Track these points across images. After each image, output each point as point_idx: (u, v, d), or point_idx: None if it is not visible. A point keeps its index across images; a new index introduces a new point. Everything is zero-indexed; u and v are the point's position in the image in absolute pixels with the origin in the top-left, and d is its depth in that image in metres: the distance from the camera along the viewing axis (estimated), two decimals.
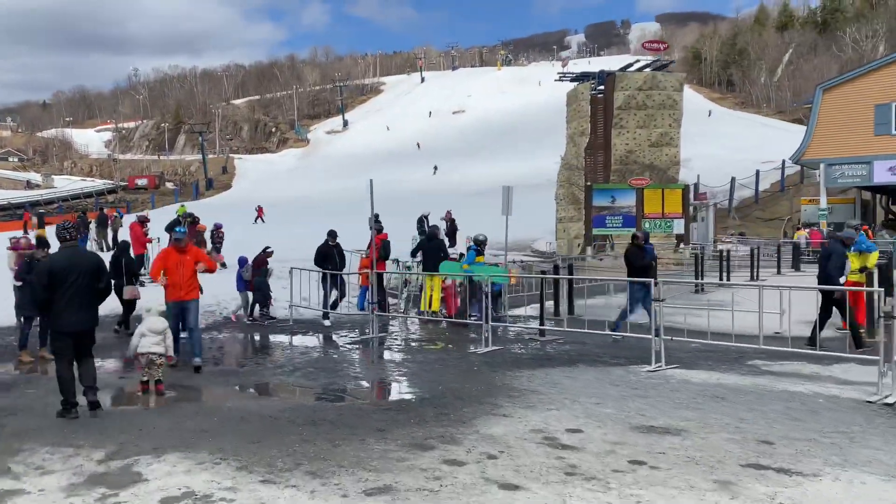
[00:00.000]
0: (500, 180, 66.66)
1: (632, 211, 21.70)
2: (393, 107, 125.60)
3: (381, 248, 13.76)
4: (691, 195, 26.03)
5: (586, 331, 10.60)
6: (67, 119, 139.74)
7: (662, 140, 24.69)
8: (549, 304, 13.65)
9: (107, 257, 20.83)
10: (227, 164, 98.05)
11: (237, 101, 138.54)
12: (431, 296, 13.75)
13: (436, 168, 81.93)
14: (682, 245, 21.48)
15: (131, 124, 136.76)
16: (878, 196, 30.70)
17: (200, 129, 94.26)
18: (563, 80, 27.94)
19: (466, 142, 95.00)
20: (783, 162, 46.20)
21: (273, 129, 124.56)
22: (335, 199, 62.38)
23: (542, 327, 11.51)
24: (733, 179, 39.76)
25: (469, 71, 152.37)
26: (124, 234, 28.79)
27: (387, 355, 10.88)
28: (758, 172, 41.00)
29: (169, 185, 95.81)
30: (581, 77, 27.10)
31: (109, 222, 24.25)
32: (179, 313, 9.37)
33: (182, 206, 37.76)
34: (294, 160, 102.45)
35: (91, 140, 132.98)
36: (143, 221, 17.18)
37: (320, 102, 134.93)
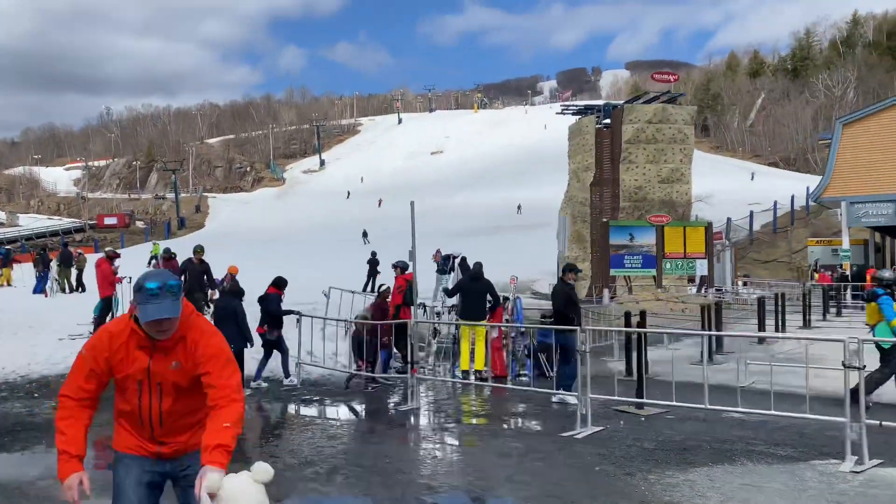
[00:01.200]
0: (483, 218, 65.73)
1: (651, 250, 20.27)
2: (370, 147, 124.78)
3: (405, 292, 11.75)
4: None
5: (708, 407, 7.40)
6: (36, 157, 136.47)
7: (673, 176, 23.48)
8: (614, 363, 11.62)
9: (69, 299, 19.04)
10: (201, 202, 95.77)
11: (211, 140, 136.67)
12: (473, 350, 11.22)
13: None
14: (705, 288, 20.01)
15: (102, 162, 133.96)
16: (887, 238, 29.65)
17: (174, 168, 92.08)
18: (564, 114, 26.74)
19: (445, 181, 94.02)
20: (775, 203, 45.62)
21: (248, 169, 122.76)
22: (316, 238, 60.58)
23: (641, 400, 8.48)
24: (729, 220, 38.83)
25: (446, 113, 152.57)
26: (90, 274, 26.76)
27: (450, 441, 7.91)
28: (752, 213, 40.12)
29: (139, 223, 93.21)
30: (585, 110, 25.90)
31: (74, 260, 22.18)
32: None
33: (156, 244, 35.72)
34: (269, 199, 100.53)
35: (59, 178, 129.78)
36: (111, 257, 14.48)
37: (296, 142, 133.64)
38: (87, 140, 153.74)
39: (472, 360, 11.28)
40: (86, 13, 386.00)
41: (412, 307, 11.02)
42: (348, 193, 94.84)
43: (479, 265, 12.03)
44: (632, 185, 23.78)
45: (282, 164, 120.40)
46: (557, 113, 29.18)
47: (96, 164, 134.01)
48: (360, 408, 9.83)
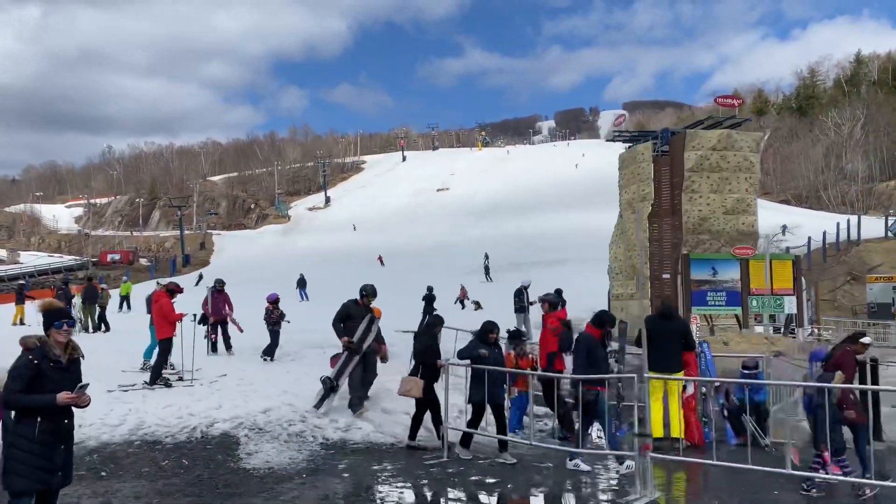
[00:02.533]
0: (499, 253, 64.30)
1: (736, 286, 18.63)
2: (375, 184, 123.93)
3: (562, 335, 9.36)
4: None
5: None
6: (38, 194, 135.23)
7: (739, 207, 22.04)
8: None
9: (97, 340, 17.32)
10: (205, 239, 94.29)
11: (214, 178, 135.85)
12: (665, 414, 8.70)
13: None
14: (793, 328, 18.38)
15: (104, 200, 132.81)
16: None
17: (179, 204, 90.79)
18: (615, 141, 25.44)
19: (453, 217, 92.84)
20: (809, 241, 44.25)
21: (252, 206, 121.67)
22: (332, 272, 58.99)
23: None
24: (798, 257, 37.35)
25: (450, 151, 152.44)
26: (113, 311, 25.03)
27: None
28: (787, 250, 38.70)
29: (143, 261, 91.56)
30: (639, 136, 24.58)
31: (98, 297, 20.55)
32: None
33: (126, 283, 35.48)
34: (274, 236, 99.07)
35: (61, 215, 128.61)
36: (172, 291, 12.29)
37: (300, 179, 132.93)
38: (88, 177, 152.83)
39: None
40: (91, 55, 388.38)
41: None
42: (354, 227, 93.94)
43: (668, 300, 9.77)
44: (695, 216, 22.30)
45: (286, 201, 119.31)
46: (608, 140, 27.85)
47: (98, 201, 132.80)
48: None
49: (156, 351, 12.33)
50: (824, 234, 45.15)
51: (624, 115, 26.90)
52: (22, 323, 23.92)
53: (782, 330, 18.66)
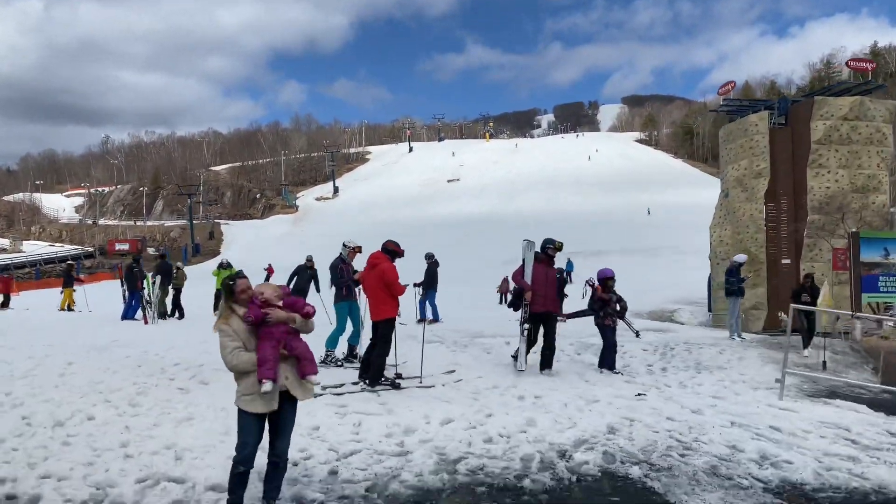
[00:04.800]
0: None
1: None
2: (383, 175, 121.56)
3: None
4: None
5: None
6: (37, 182, 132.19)
7: (869, 184, 19.98)
8: None
9: (167, 327, 14.88)
10: (214, 229, 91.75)
11: (218, 168, 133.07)
12: None
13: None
14: None
15: (104, 189, 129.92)
16: None
17: (189, 192, 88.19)
18: (720, 112, 23.30)
19: (466, 208, 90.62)
20: None
21: (257, 196, 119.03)
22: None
23: None
24: None
25: (456, 142, 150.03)
26: (192, 291, 21.82)
27: None
28: None
29: (150, 250, 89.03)
30: (749, 106, 22.41)
31: (173, 277, 18.11)
32: None
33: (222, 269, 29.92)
34: (285, 226, 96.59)
35: (61, 205, 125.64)
36: (393, 253, 8.93)
37: (306, 170, 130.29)
38: (88, 167, 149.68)
39: None
40: (91, 48, 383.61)
41: None
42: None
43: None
44: (821, 193, 20.16)
45: (293, 191, 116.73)
46: (711, 111, 25.70)
47: (98, 190, 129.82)
48: None
49: (344, 337, 10.21)
50: None
51: (732, 83, 24.47)
52: (70, 309, 21.64)
53: None
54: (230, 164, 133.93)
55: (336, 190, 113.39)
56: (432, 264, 17.57)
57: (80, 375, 8.53)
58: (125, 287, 17.42)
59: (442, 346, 11.34)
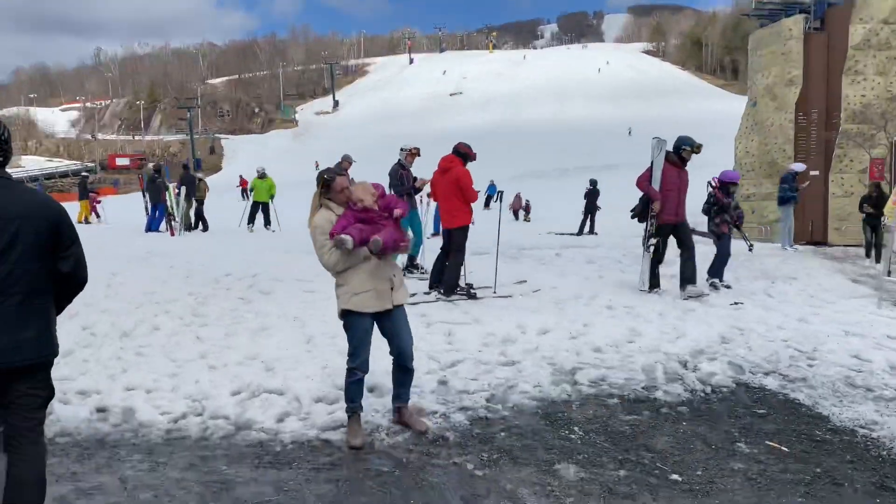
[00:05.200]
0: (543, 160, 61.01)
1: None
2: (384, 88, 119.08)
3: None
4: None
5: None
6: (31, 96, 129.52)
7: None
8: None
9: (197, 239, 14.51)
10: (215, 144, 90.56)
11: (215, 81, 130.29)
12: None
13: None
14: None
15: (101, 103, 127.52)
16: None
17: (188, 106, 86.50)
18: (751, 17, 22.37)
19: (470, 122, 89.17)
20: None
21: (256, 110, 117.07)
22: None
23: None
24: None
25: (460, 54, 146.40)
26: (215, 203, 20.94)
27: None
28: None
29: (150, 165, 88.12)
30: (783, 10, 21.50)
31: (198, 183, 17.62)
32: None
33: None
34: (286, 141, 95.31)
35: (56, 120, 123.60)
36: (465, 156, 8.15)
37: (304, 83, 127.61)
38: (82, 80, 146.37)
39: None
40: None
41: None
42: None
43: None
44: (856, 102, 19.55)
45: (292, 105, 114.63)
46: (744, 14, 24.72)
47: (94, 104, 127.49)
48: None
49: (423, 247, 9.79)
50: None
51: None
52: (88, 221, 21.38)
53: None
54: (227, 77, 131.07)
55: (336, 104, 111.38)
56: None
57: (128, 286, 8.25)
58: (147, 198, 17.09)
59: (489, 256, 11.16)
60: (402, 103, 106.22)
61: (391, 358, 4.44)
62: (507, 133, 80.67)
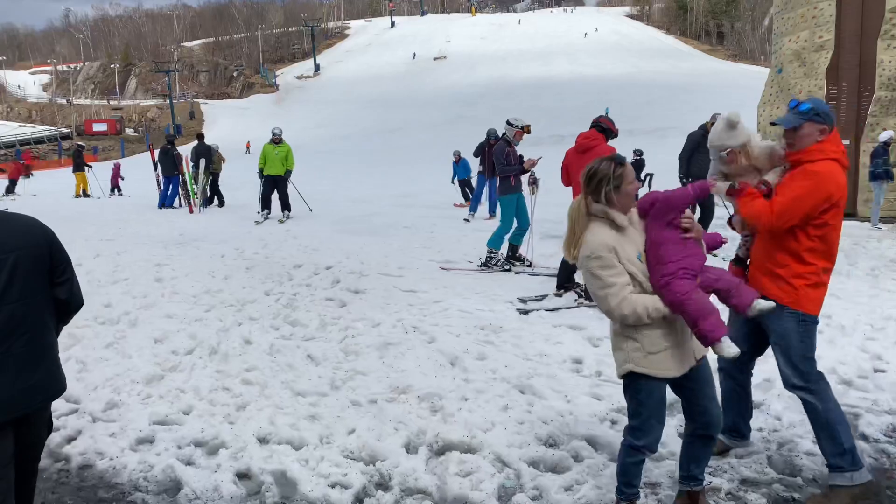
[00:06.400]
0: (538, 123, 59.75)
1: None
2: (366, 52, 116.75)
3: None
4: None
5: None
6: (0, 58, 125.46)
7: None
8: None
9: (219, 216, 13.12)
10: (194, 109, 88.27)
11: (191, 44, 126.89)
12: None
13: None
14: None
15: (74, 66, 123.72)
16: None
17: (166, 70, 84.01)
18: None
19: (456, 86, 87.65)
20: None
21: (234, 73, 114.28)
22: (346, 147, 55.35)
23: None
24: None
25: (442, 17, 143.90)
26: (234, 173, 18.31)
27: None
28: None
29: (129, 131, 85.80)
30: None
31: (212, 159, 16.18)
32: None
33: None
34: (267, 106, 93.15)
35: (26, 83, 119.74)
36: (608, 131, 7.17)
37: (283, 46, 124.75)
38: (52, 42, 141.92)
39: None
40: None
41: None
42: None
43: None
44: (893, 69, 18.88)
45: (272, 69, 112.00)
46: None
47: (67, 67, 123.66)
48: None
49: (526, 237, 8.54)
50: None
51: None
52: (86, 194, 20.20)
53: None
54: (204, 40, 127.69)
55: (317, 68, 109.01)
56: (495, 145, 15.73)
57: (184, 281, 7.17)
58: (159, 171, 15.97)
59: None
60: (385, 67, 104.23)
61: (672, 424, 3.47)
62: (496, 97, 79.40)
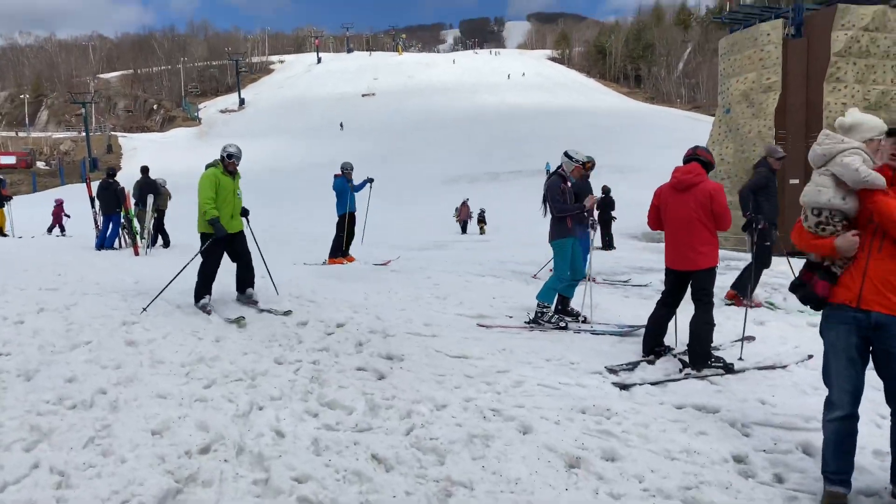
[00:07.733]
0: (458, 166, 60.01)
1: None
2: (293, 87, 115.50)
3: None
4: None
5: None
6: None
7: (882, 100, 19.41)
8: None
9: (166, 258, 11.73)
10: (112, 142, 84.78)
11: (108, 76, 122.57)
12: None
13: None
14: None
15: None
16: None
17: (82, 101, 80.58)
18: (724, 21, 22.07)
19: (387, 123, 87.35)
20: None
21: (154, 106, 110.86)
22: (272, 181, 54.02)
23: None
24: None
25: (367, 55, 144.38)
26: (179, 213, 16.80)
27: None
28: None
29: (40, 164, 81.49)
30: (760, 13, 21.25)
31: (160, 189, 14.72)
32: None
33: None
34: (188, 140, 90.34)
35: None
36: (707, 164, 6.12)
37: (206, 80, 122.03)
38: None
39: None
40: None
41: None
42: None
43: None
44: (838, 110, 19.43)
45: (194, 102, 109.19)
46: (716, 18, 24.32)
47: None
48: None
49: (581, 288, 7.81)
50: None
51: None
52: (2, 233, 18.29)
53: None
54: (122, 72, 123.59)
55: (242, 102, 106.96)
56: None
57: (164, 345, 5.69)
58: (97, 208, 14.53)
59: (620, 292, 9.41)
60: (312, 103, 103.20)
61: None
62: (428, 129, 79.46)
